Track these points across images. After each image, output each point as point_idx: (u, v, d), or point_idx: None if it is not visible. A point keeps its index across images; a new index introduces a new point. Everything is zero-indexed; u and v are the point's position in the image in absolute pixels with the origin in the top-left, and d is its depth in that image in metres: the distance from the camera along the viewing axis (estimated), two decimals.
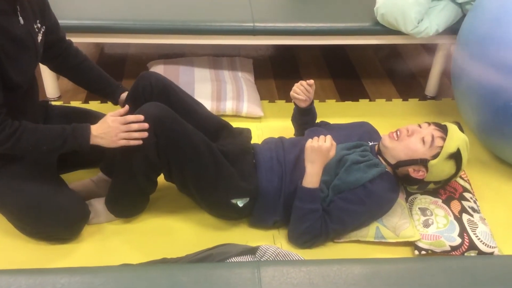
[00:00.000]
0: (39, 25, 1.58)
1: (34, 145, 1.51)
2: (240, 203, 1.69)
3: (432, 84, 2.64)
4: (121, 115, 1.60)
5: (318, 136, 1.65)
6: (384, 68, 2.92)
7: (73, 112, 1.88)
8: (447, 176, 1.72)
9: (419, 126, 1.73)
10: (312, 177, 1.64)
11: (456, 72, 2.14)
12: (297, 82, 1.92)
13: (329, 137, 1.64)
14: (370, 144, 1.82)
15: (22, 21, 1.49)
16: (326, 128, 1.96)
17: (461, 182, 1.91)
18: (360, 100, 2.59)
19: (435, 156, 1.66)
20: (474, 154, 2.18)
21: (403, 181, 1.77)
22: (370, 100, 2.59)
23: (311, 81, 1.90)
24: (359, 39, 2.44)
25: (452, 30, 2.34)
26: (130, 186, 1.66)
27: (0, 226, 1.71)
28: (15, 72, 1.47)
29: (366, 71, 2.88)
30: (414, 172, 1.70)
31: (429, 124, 1.73)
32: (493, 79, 1.88)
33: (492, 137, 2.05)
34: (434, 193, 1.84)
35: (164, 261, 1.47)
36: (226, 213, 1.77)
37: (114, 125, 1.55)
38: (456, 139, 1.68)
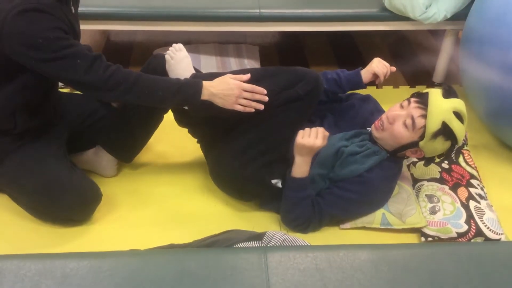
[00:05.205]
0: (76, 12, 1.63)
1: (150, 88, 1.51)
2: (280, 184, 1.68)
3: (439, 70, 2.61)
4: (243, 81, 1.58)
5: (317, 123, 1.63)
6: (391, 54, 2.90)
7: (81, 98, 1.88)
8: (444, 150, 1.64)
9: (401, 106, 1.64)
10: (301, 167, 1.62)
11: (464, 59, 2.12)
12: None
13: (321, 131, 1.58)
14: (369, 130, 1.76)
15: (73, 10, 1.53)
16: (334, 113, 1.90)
17: (468, 169, 1.91)
18: (367, 87, 2.57)
19: (421, 137, 1.59)
20: (482, 140, 2.17)
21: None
22: (377, 87, 2.58)
23: (394, 68, 1.87)
24: (366, 25, 2.42)
25: (461, 15, 2.31)
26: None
27: (10, 211, 1.72)
28: None
29: (374, 57, 2.85)
30: (413, 154, 1.67)
31: (409, 102, 1.62)
32: (502, 66, 1.86)
33: (499, 124, 2.04)
34: (441, 180, 1.84)
35: (171, 247, 1.49)
36: (250, 189, 1.73)
37: (237, 90, 1.54)
38: (438, 114, 1.55)
